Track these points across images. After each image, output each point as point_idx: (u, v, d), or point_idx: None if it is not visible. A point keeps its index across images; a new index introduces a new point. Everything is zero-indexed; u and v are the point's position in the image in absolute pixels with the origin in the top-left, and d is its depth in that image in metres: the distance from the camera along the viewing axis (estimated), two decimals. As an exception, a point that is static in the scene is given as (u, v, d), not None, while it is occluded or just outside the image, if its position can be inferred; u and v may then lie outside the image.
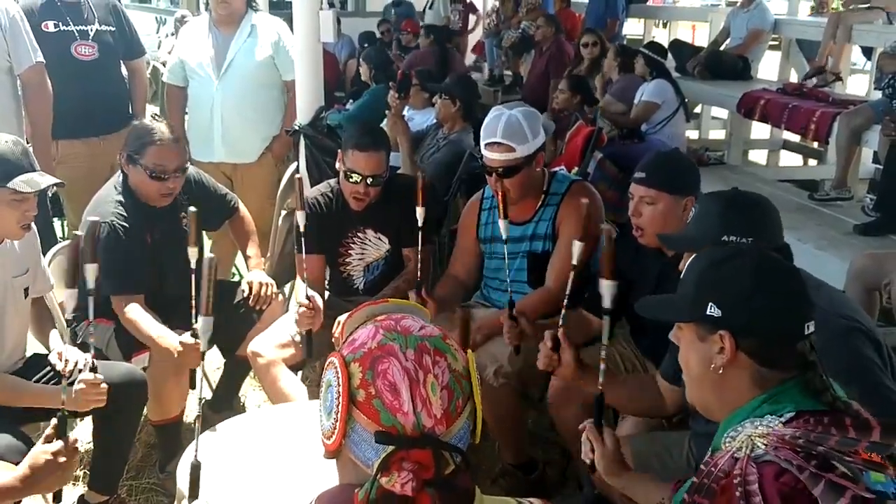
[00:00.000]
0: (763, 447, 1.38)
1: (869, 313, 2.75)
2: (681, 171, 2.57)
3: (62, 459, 2.02)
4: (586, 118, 5.40)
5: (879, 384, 1.85)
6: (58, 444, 2.04)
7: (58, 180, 2.61)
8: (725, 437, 1.48)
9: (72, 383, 2.33)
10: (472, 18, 10.60)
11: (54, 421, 2.05)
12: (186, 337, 2.71)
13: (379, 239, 3.29)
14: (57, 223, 4.56)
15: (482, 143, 2.96)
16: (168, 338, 2.82)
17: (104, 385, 2.40)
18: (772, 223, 2.04)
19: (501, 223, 2.61)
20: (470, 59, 10.14)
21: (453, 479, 1.15)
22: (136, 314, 2.90)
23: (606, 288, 1.98)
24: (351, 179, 3.08)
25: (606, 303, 1.99)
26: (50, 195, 3.61)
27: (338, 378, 1.15)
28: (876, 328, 2.01)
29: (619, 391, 2.28)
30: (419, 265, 2.88)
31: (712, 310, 1.49)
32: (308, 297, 2.85)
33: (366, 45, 8.16)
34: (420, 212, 2.82)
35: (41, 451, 2.02)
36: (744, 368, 1.48)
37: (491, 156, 2.91)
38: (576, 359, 2.23)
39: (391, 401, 1.12)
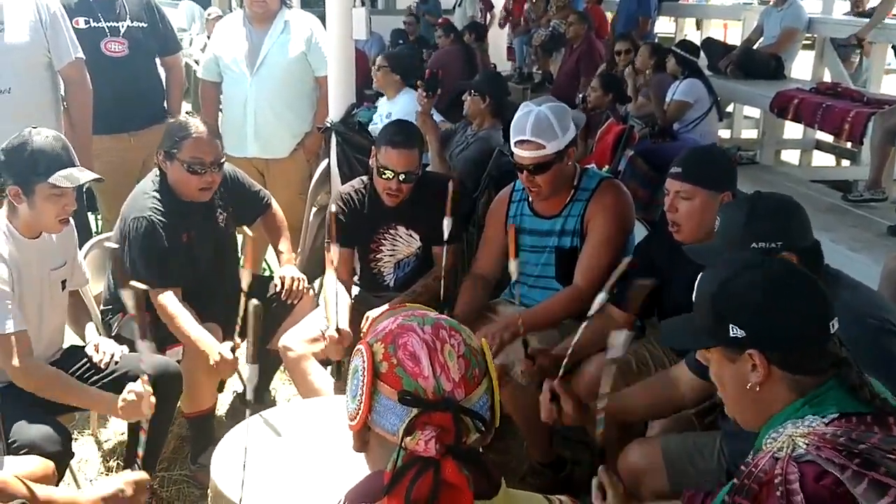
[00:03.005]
0: (804, 447, 1.36)
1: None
2: (717, 167, 2.55)
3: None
4: (617, 116, 5.37)
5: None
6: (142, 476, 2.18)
7: (96, 175, 2.65)
8: (766, 438, 1.46)
9: None
10: (489, 16, 10.63)
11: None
12: (226, 350, 2.75)
13: (410, 236, 3.30)
14: (91, 217, 4.61)
15: (512, 141, 2.95)
16: (207, 343, 2.85)
17: (152, 399, 2.43)
18: (799, 223, 2.01)
19: None
20: (507, 65, 10.12)
21: (480, 457, 1.19)
22: (175, 309, 2.92)
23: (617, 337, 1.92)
24: (384, 176, 3.10)
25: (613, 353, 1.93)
26: (84, 189, 3.65)
27: (363, 359, 1.21)
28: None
29: (631, 413, 2.36)
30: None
31: (735, 331, 1.46)
32: (338, 330, 2.87)
33: (400, 41, 8.21)
34: (447, 222, 2.85)
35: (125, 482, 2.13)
36: (779, 380, 1.46)
37: (521, 153, 2.90)
38: (577, 408, 2.21)
39: (412, 367, 1.18)
